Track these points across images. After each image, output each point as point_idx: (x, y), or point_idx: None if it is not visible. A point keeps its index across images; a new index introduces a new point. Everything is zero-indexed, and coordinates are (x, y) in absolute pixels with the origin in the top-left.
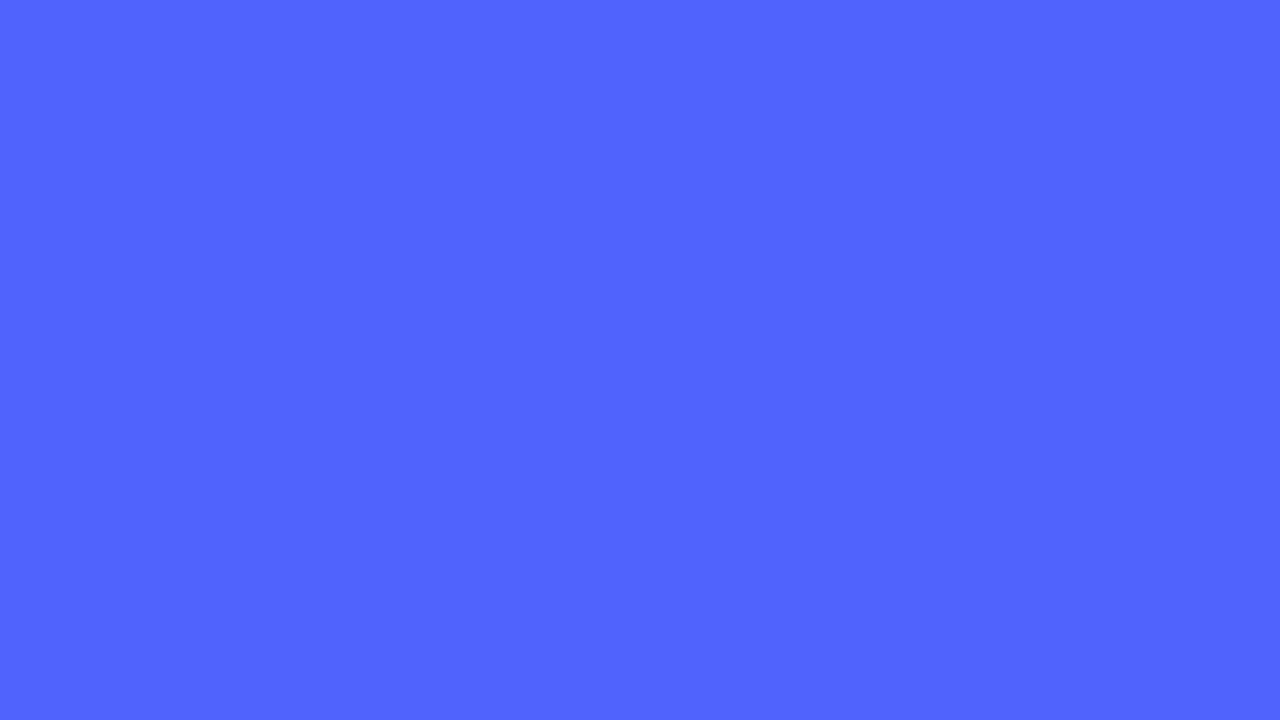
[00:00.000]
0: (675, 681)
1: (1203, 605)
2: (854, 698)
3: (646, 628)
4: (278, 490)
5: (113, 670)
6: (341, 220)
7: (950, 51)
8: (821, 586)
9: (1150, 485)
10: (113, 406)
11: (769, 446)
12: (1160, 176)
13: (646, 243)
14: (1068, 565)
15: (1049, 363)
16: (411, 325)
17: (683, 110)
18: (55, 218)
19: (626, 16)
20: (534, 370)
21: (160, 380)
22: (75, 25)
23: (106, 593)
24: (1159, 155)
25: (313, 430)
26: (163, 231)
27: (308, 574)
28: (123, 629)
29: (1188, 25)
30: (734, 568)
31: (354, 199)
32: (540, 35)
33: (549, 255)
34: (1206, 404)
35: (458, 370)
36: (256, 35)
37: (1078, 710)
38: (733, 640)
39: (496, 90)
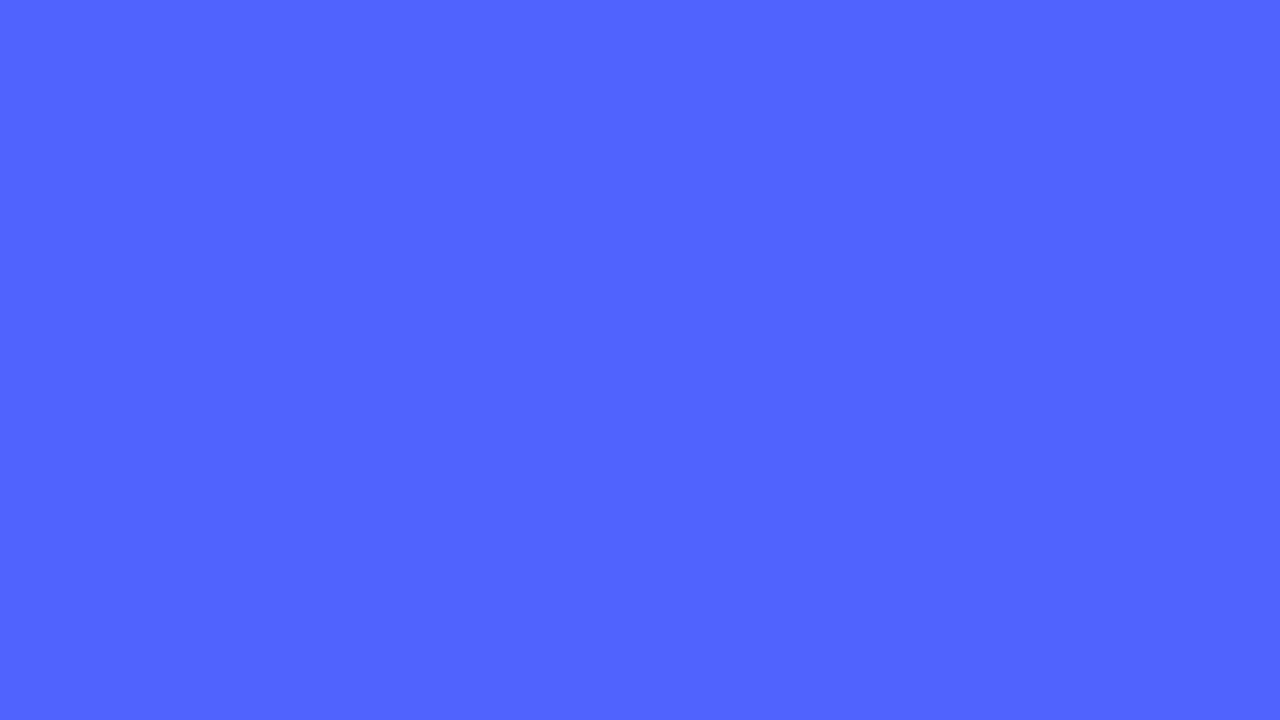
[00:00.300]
0: (675, 681)
1: (1203, 605)
2: (854, 698)
3: (647, 628)
4: (278, 490)
5: (113, 670)
6: (342, 220)
7: (950, 51)
8: (821, 587)
9: (1150, 485)
10: (113, 406)
11: (769, 446)
12: (1160, 176)
13: (646, 243)
14: (1068, 565)
15: (1049, 363)
16: (412, 325)
17: (683, 110)
18: (55, 218)
19: (626, 16)
20: (534, 370)
21: (160, 380)
22: (75, 25)
23: (107, 593)
24: (1159, 155)
25: (313, 430)
26: (163, 231)
27: (308, 574)
28: (123, 629)
29: (1188, 25)
30: (734, 568)
31: (354, 199)
32: (540, 35)
33: (549, 255)
34: (1207, 404)
35: (458, 370)
36: (257, 35)
37: (1078, 710)
38: (733, 640)
39: (497, 90)
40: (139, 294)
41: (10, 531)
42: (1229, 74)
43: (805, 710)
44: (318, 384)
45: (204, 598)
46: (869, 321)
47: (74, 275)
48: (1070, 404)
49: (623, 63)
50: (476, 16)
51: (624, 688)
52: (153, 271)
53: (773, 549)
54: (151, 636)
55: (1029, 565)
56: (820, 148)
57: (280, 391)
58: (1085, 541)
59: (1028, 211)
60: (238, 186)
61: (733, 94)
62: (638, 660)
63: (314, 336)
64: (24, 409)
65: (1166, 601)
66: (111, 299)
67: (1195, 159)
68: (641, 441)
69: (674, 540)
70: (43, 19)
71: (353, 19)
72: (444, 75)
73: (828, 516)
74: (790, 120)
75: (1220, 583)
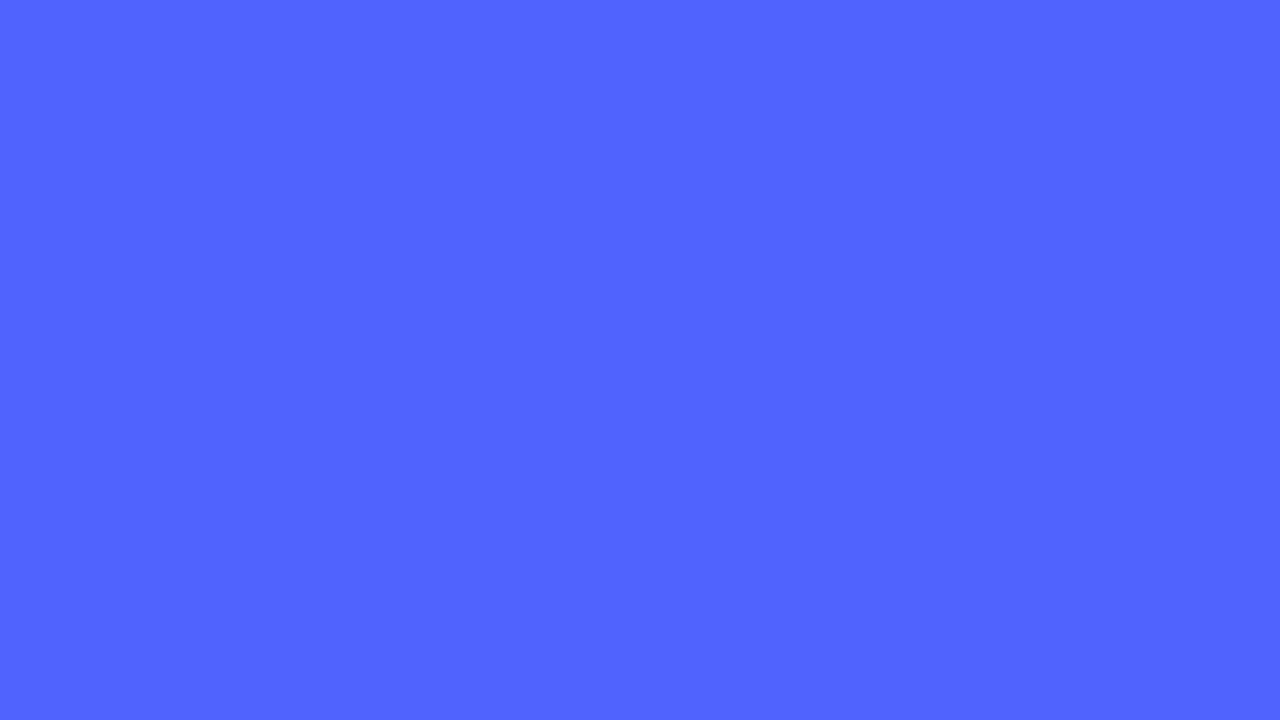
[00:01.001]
0: (675, 681)
1: (1203, 605)
2: (854, 698)
3: (646, 628)
4: (278, 491)
5: (113, 670)
6: (342, 220)
7: (950, 51)
8: (821, 587)
9: (1151, 485)
10: (113, 406)
11: (769, 447)
12: (1160, 176)
13: (646, 243)
14: (1068, 565)
15: (1049, 363)
16: (412, 325)
17: (683, 110)
18: (55, 218)
19: (626, 17)
20: (534, 370)
21: (160, 380)
22: (75, 25)
23: (107, 593)
24: (1159, 155)
25: (313, 430)
26: (163, 231)
27: (308, 574)
28: (123, 629)
29: (1188, 25)
30: (734, 568)
31: (354, 199)
32: (541, 35)
33: (549, 255)
34: (1207, 404)
35: (458, 370)
36: (257, 35)
37: (1078, 710)
38: (733, 640)
39: (497, 90)
40: (139, 294)
41: (10, 531)
42: (1229, 74)
43: (805, 710)
44: (317, 383)
45: (204, 598)
46: (869, 322)
47: (74, 275)
48: (1070, 404)
49: (623, 63)
50: (476, 17)
51: (624, 688)
52: (153, 271)
53: (773, 549)
54: (152, 636)
55: (1029, 565)
56: (820, 148)
57: (280, 390)
58: (1085, 541)
59: (1028, 212)
60: (237, 186)
61: (733, 94)
62: (638, 660)
63: (313, 335)
64: (24, 409)
65: (1167, 601)
66: (112, 299)
67: (1195, 159)
68: (641, 442)
69: (674, 540)
70: (43, 19)
71: (353, 19)
72: (444, 75)
73: (828, 516)
74: (790, 120)
75: (1220, 583)
